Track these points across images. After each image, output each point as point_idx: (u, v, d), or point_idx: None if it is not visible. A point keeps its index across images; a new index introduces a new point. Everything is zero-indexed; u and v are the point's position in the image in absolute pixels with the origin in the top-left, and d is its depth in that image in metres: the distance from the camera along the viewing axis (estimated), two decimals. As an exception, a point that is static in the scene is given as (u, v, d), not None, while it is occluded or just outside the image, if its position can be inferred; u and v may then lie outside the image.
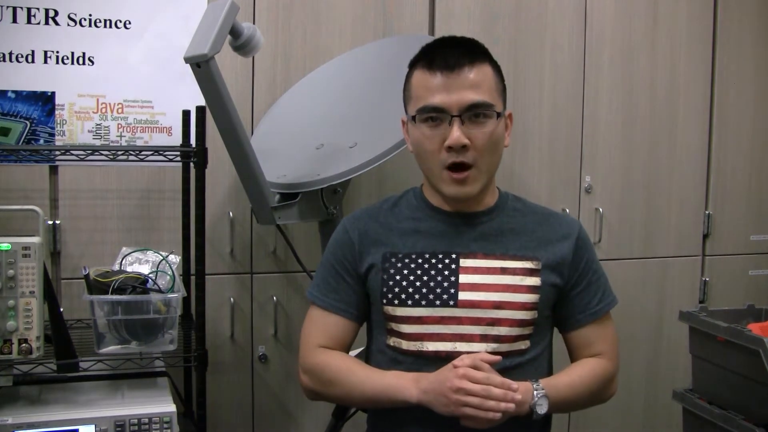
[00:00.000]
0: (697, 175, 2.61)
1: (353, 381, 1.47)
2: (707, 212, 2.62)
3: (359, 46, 2.21)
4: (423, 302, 1.46)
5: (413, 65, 1.49)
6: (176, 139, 2.10)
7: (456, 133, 1.40)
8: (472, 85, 1.42)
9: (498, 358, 1.39)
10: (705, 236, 2.63)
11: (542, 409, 1.39)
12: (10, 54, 2.00)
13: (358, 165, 1.79)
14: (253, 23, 2.12)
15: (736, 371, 1.86)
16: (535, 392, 1.39)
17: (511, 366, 1.44)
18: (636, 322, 2.56)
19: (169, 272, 1.83)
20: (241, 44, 1.75)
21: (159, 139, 2.12)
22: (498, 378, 1.36)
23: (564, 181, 2.47)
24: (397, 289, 1.48)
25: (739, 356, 1.83)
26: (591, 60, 2.46)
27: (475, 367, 1.36)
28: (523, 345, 1.47)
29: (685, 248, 2.61)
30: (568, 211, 2.45)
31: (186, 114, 2.04)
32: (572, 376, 1.49)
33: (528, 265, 1.48)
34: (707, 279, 2.63)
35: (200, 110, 1.77)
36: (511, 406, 1.33)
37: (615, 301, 1.55)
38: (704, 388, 2.00)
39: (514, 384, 1.36)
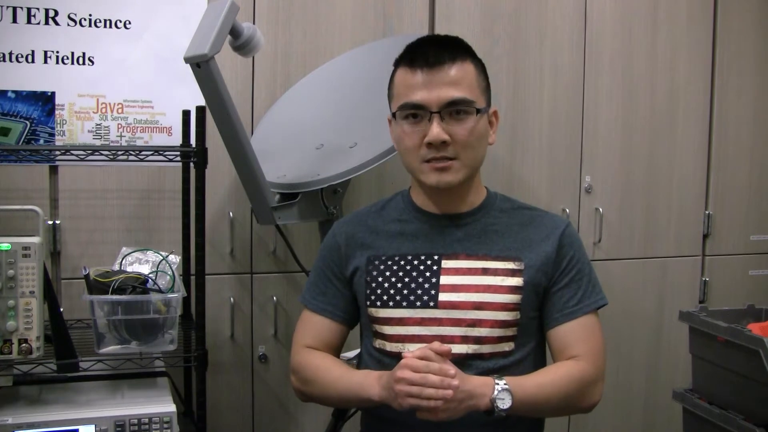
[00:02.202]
0: (697, 175, 2.61)
1: (328, 379, 1.48)
2: (707, 212, 2.62)
3: (359, 46, 2.21)
4: (404, 303, 1.47)
5: (396, 64, 1.50)
6: (176, 139, 2.10)
7: (435, 130, 1.41)
8: (451, 81, 1.42)
9: (448, 348, 1.36)
10: (705, 236, 2.63)
11: (504, 403, 1.34)
12: (10, 54, 2.00)
13: (358, 165, 1.79)
14: (253, 23, 2.12)
15: (736, 371, 1.86)
16: (495, 386, 1.35)
17: (495, 368, 1.43)
18: (636, 322, 2.56)
19: (169, 272, 1.83)
20: (241, 44, 1.75)
21: (159, 139, 2.12)
22: (436, 365, 1.32)
23: (564, 181, 2.47)
24: (379, 291, 1.49)
25: (739, 356, 1.83)
26: (591, 60, 2.46)
27: (424, 358, 1.33)
28: (507, 347, 1.45)
29: (685, 248, 2.61)
30: (568, 211, 2.45)
31: (186, 114, 2.04)
32: (542, 376, 1.44)
33: (510, 265, 1.47)
34: (707, 279, 2.63)
35: (200, 110, 1.77)
36: (449, 392, 1.30)
37: (598, 303, 1.50)
38: (704, 388, 2.00)
39: (452, 370, 1.32)
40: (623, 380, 2.54)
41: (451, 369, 1.33)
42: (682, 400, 2.04)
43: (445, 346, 1.37)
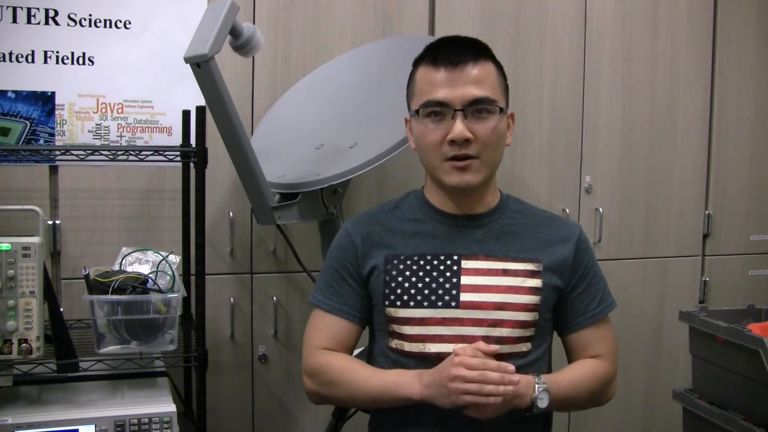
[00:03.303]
0: (697, 175, 2.61)
1: (356, 381, 1.46)
2: (707, 212, 2.62)
3: (359, 46, 2.21)
4: (425, 303, 1.46)
5: (417, 63, 1.50)
6: (176, 139, 2.10)
7: (459, 127, 1.41)
8: (475, 80, 1.43)
9: (496, 348, 1.39)
10: (705, 236, 2.63)
11: (543, 403, 1.38)
12: (10, 54, 2.00)
13: (358, 165, 1.78)
14: (253, 23, 2.12)
15: (736, 371, 1.86)
16: (536, 386, 1.39)
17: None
18: (636, 322, 2.56)
19: (169, 272, 1.83)
20: (241, 44, 1.75)
21: (159, 139, 2.12)
22: (494, 362, 1.35)
23: (564, 181, 2.47)
24: (399, 291, 1.48)
25: (739, 356, 1.83)
26: (591, 60, 2.46)
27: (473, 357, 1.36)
28: (525, 347, 1.47)
29: (685, 248, 2.61)
30: (568, 211, 2.45)
31: (186, 114, 2.04)
32: (573, 374, 1.49)
33: (529, 266, 1.48)
34: (707, 279, 2.63)
35: (200, 110, 1.77)
36: (510, 388, 1.33)
37: (614, 305, 1.55)
38: (704, 388, 2.00)
39: (511, 366, 1.36)
40: (623, 380, 2.52)
41: (510, 366, 1.36)
42: (682, 400, 2.04)
43: (493, 347, 1.39)
